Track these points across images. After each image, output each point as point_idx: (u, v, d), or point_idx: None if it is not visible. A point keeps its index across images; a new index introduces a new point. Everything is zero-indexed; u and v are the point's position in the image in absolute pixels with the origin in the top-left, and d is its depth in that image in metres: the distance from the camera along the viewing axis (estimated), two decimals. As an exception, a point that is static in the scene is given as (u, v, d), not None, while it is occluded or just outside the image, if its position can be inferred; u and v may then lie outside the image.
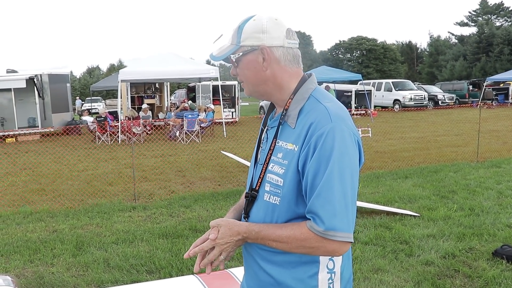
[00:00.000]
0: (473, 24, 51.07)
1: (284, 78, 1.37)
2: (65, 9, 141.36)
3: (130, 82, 18.19)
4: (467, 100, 27.72)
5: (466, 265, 3.94)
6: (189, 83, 23.42)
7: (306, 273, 1.32)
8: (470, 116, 16.93)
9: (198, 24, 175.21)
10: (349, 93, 22.98)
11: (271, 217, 1.34)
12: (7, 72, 17.41)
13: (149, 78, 16.88)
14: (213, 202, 6.28)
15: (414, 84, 29.54)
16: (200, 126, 14.10)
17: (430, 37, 56.86)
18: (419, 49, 59.67)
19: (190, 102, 17.37)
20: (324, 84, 19.34)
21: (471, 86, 29.11)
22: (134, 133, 13.93)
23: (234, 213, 1.51)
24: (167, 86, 21.35)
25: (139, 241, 4.75)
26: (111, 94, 39.03)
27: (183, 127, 13.77)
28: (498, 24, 48.28)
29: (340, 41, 59.02)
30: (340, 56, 59.75)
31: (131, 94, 19.32)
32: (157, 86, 20.27)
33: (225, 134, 14.60)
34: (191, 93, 23.67)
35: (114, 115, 15.72)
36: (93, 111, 24.30)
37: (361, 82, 23.25)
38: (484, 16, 50.24)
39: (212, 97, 18.91)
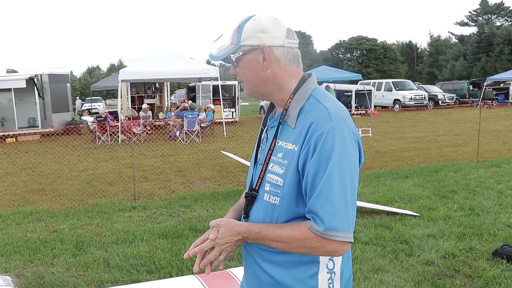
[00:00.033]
0: (473, 24, 51.06)
1: (284, 78, 1.37)
2: (65, 9, 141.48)
3: (130, 82, 18.19)
4: (467, 100, 27.72)
5: (466, 265, 3.93)
6: (189, 83, 23.43)
7: (306, 273, 1.32)
8: (470, 116, 16.93)
9: (198, 24, 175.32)
10: (349, 93, 22.98)
11: (271, 217, 1.33)
12: (7, 72, 17.41)
13: (149, 78, 16.88)
14: (213, 202, 6.28)
15: (414, 84, 29.53)
16: (200, 126, 14.10)
17: (430, 37, 56.91)
18: (419, 49, 59.65)
19: (190, 102, 17.37)
20: (324, 84, 19.34)
21: (471, 86, 29.11)
22: (134, 133, 13.93)
23: (234, 213, 1.51)
24: (167, 86, 21.36)
25: (139, 241, 4.75)
26: (111, 94, 39.03)
27: (183, 127, 13.77)
28: (498, 24, 48.26)
29: (340, 41, 59.01)
30: (340, 56, 59.73)
31: (131, 94, 19.32)
32: (157, 86, 20.27)
33: (225, 134, 14.60)
34: (191, 93, 23.68)
35: (114, 115, 15.72)
36: (93, 111, 24.29)
37: (361, 82, 23.25)
38: (484, 16, 50.22)
39: (212, 97, 18.90)
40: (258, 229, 1.30)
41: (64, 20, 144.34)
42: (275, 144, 1.35)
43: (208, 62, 27.36)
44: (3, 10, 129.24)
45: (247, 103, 36.67)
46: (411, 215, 5.34)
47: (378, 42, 56.56)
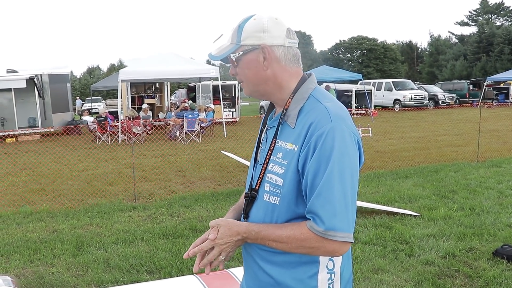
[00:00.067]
0: (473, 23, 51.04)
1: (284, 78, 1.37)
2: (65, 9, 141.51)
3: (130, 82, 18.19)
4: (467, 99, 27.73)
5: (466, 265, 3.93)
6: (189, 83, 23.43)
7: (306, 273, 1.31)
8: (471, 116, 16.93)
9: (198, 24, 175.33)
10: (350, 93, 22.98)
11: (270, 217, 1.33)
12: (7, 72, 17.41)
13: (149, 78, 16.88)
14: (213, 202, 6.28)
15: (415, 83, 29.52)
16: (200, 126, 14.10)
17: (431, 37, 56.84)
18: (420, 49, 59.64)
19: (190, 102, 17.37)
20: (325, 84, 19.34)
21: (472, 85, 29.12)
22: (134, 133, 13.93)
23: (234, 213, 1.51)
24: (167, 86, 21.36)
25: (139, 241, 4.75)
26: (111, 94, 39.04)
27: (183, 127, 13.77)
28: (498, 23, 48.23)
29: (340, 41, 58.99)
30: (341, 55, 59.71)
31: (131, 94, 19.32)
32: (157, 86, 20.27)
33: (225, 134, 14.60)
34: (191, 93, 23.69)
35: (114, 115, 15.73)
36: (93, 111, 24.29)
37: (361, 81, 23.24)
38: (484, 16, 50.20)
39: (213, 97, 18.91)
40: (258, 229, 1.30)
41: (64, 20, 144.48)
42: (275, 144, 1.35)
43: (208, 62, 27.37)
44: (3, 10, 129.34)
45: (247, 103, 36.66)
46: (411, 215, 5.34)
47: (378, 42, 56.54)
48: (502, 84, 28.21)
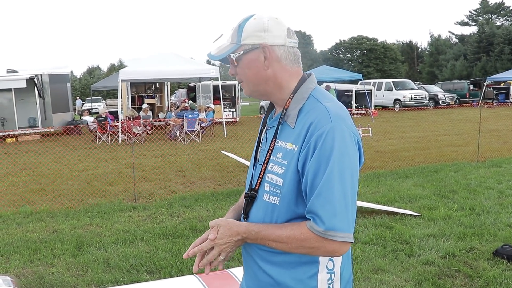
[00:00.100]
0: (473, 23, 51.03)
1: (285, 78, 1.37)
2: (65, 9, 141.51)
3: (131, 82, 18.19)
4: (467, 99, 27.72)
5: (466, 265, 3.93)
6: (190, 83, 23.43)
7: (306, 273, 1.31)
8: (471, 116, 16.93)
9: (198, 24, 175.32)
10: (350, 93, 22.98)
11: (270, 217, 1.33)
12: (8, 72, 17.41)
13: (149, 78, 16.88)
14: (213, 202, 6.28)
15: (415, 83, 29.53)
16: (201, 126, 14.10)
17: (431, 37, 56.79)
18: (420, 49, 59.63)
19: (190, 102, 17.37)
20: (325, 84, 19.34)
21: (472, 85, 29.11)
22: (134, 133, 13.93)
23: (234, 213, 1.50)
24: (167, 86, 21.36)
25: (139, 241, 4.75)
26: (111, 94, 39.05)
27: (183, 127, 13.77)
28: (498, 23, 48.22)
29: (340, 41, 58.98)
30: (341, 55, 59.71)
31: (131, 94, 19.33)
32: (157, 86, 20.28)
33: (225, 134, 14.60)
34: (192, 93, 23.68)
35: (115, 115, 15.74)
36: (94, 111, 24.30)
37: (361, 81, 23.24)
38: (484, 16, 50.19)
39: (213, 96, 18.91)
40: (258, 229, 1.30)
41: (64, 20, 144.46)
42: (274, 144, 1.35)
43: (209, 62, 27.35)
44: (3, 10, 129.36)
45: (247, 103, 36.67)
46: (411, 215, 5.34)
47: (378, 42, 56.54)
48: (502, 84, 28.21)
